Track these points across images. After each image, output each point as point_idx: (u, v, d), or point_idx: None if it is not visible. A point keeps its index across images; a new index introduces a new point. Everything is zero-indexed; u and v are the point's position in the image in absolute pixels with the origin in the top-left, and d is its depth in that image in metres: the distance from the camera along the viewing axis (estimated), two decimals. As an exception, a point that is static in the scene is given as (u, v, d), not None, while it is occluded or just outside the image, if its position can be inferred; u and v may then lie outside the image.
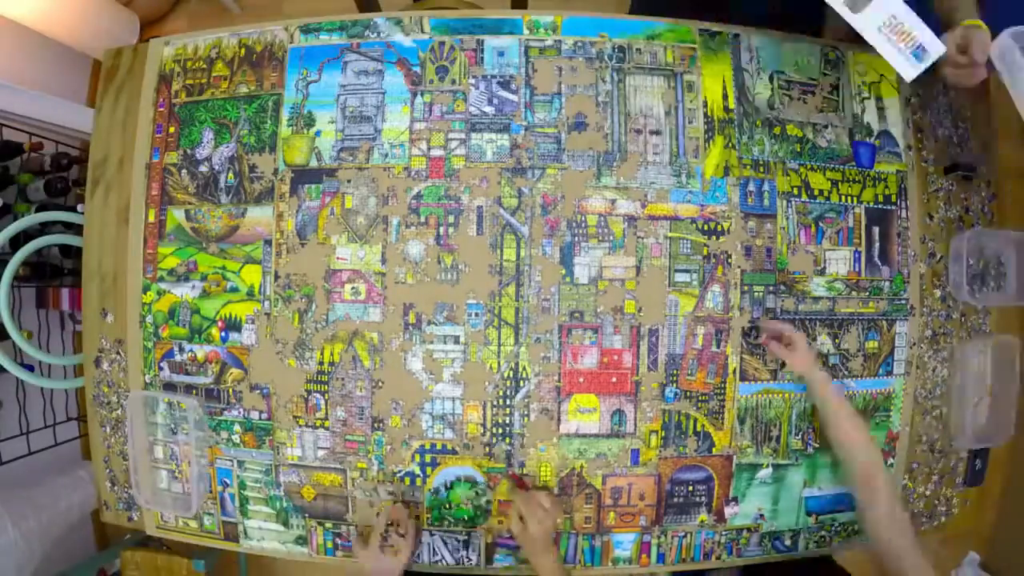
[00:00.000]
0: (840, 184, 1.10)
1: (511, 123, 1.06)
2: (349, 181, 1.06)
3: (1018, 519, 1.32)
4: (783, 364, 1.06)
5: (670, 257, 1.05)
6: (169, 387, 1.10)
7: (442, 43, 1.08)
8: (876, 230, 1.10)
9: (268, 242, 1.07)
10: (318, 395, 1.05)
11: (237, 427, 1.08)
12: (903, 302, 1.11)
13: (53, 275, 1.82)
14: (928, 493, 1.15)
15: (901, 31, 0.91)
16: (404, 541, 0.98)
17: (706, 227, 1.05)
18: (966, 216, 1.15)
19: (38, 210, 1.82)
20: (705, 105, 1.08)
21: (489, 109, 1.06)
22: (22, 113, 1.81)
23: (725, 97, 1.08)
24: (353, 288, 1.05)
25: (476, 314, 1.04)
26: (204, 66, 1.13)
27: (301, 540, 1.09)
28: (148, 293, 1.11)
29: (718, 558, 1.09)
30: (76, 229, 1.73)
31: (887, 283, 1.10)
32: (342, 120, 1.07)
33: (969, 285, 1.10)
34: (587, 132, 1.06)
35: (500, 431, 1.04)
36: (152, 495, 1.11)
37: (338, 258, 1.05)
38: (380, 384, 1.05)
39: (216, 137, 1.10)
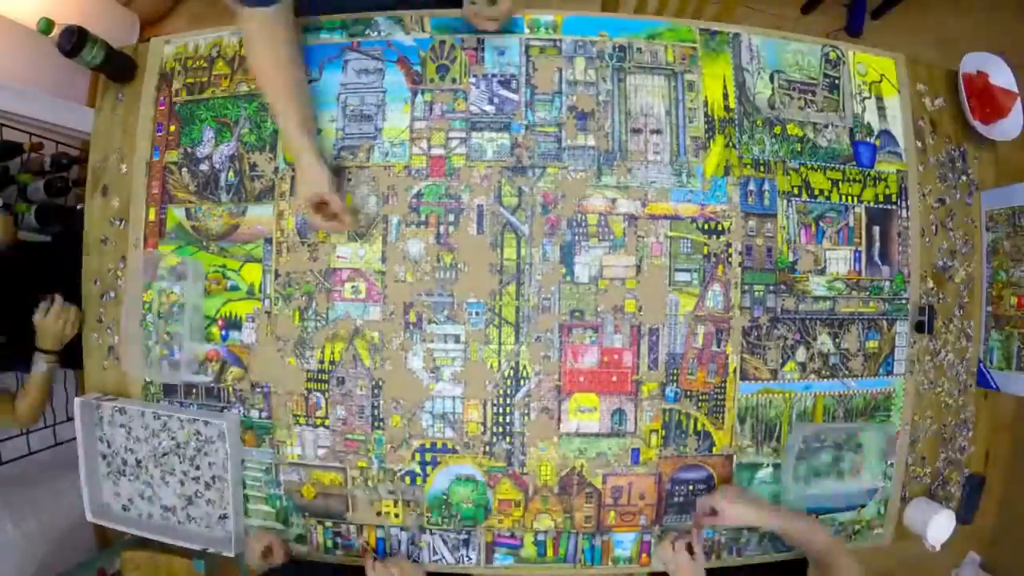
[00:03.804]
0: (840, 184, 1.10)
1: (511, 122, 1.06)
2: (350, 180, 1.06)
3: (1018, 519, 1.32)
4: (787, 361, 1.06)
5: (670, 256, 1.05)
6: (169, 386, 1.10)
7: (443, 42, 1.08)
8: (876, 230, 1.10)
9: (268, 240, 1.07)
10: (318, 394, 1.05)
11: (237, 426, 1.08)
12: (903, 302, 1.11)
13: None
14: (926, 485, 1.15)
15: None
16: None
17: (706, 226, 1.05)
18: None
19: (38, 210, 1.82)
20: (705, 104, 1.08)
21: (490, 108, 1.06)
22: (22, 113, 1.81)
23: (725, 96, 1.08)
24: (353, 287, 1.05)
25: (476, 313, 1.04)
26: (205, 65, 1.13)
27: (301, 539, 1.09)
28: (148, 292, 1.11)
29: (718, 558, 1.09)
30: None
31: (887, 283, 1.10)
32: (343, 119, 1.07)
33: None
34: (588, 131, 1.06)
35: (500, 430, 1.04)
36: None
37: (338, 257, 1.05)
38: (380, 383, 1.05)
39: (217, 135, 1.10)
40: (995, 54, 1.20)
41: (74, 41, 1.08)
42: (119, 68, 1.15)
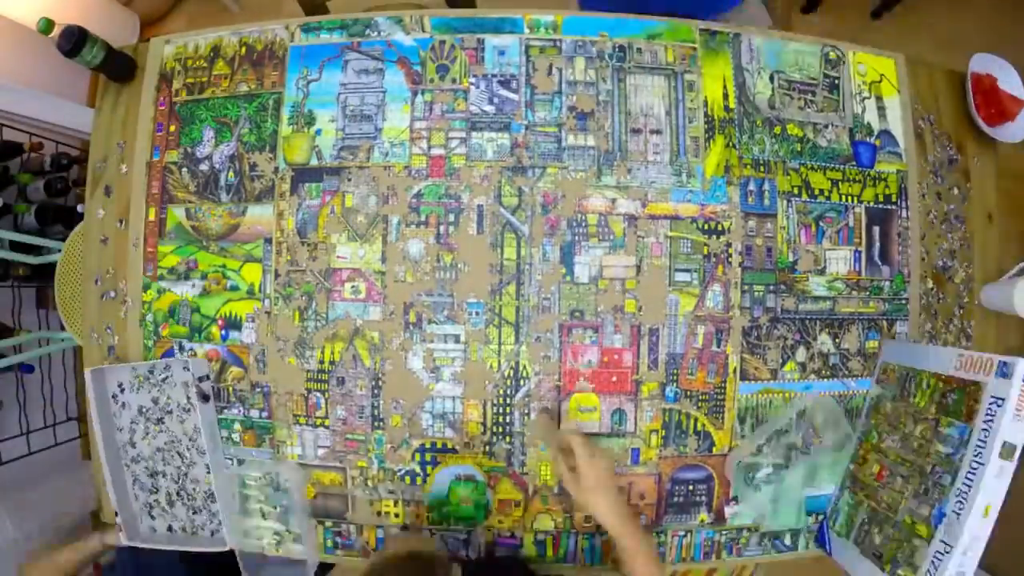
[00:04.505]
0: (840, 184, 1.10)
1: (511, 122, 1.06)
2: (349, 180, 1.06)
3: (1018, 519, 1.32)
4: (787, 361, 1.06)
5: (670, 256, 1.05)
6: (169, 386, 1.10)
7: (443, 42, 1.08)
8: (876, 230, 1.10)
9: (268, 240, 1.07)
10: (318, 394, 1.05)
11: (237, 425, 1.08)
12: (903, 302, 1.11)
13: (53, 275, 1.82)
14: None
15: None
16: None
17: (706, 226, 1.05)
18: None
19: (38, 210, 1.82)
20: (705, 104, 1.08)
21: (490, 108, 1.07)
22: (22, 113, 1.82)
23: (725, 96, 1.08)
24: (353, 287, 1.05)
25: (476, 313, 1.04)
26: (205, 64, 1.13)
27: (300, 539, 1.09)
28: (148, 292, 1.11)
29: (718, 557, 1.09)
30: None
31: (887, 283, 1.10)
32: (343, 119, 1.07)
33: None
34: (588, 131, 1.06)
35: (500, 430, 1.04)
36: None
37: (338, 257, 1.05)
38: (381, 383, 1.05)
39: (217, 135, 1.10)
40: (1000, 56, 1.20)
41: (74, 41, 1.08)
42: (119, 68, 1.15)
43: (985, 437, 0.80)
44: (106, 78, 1.17)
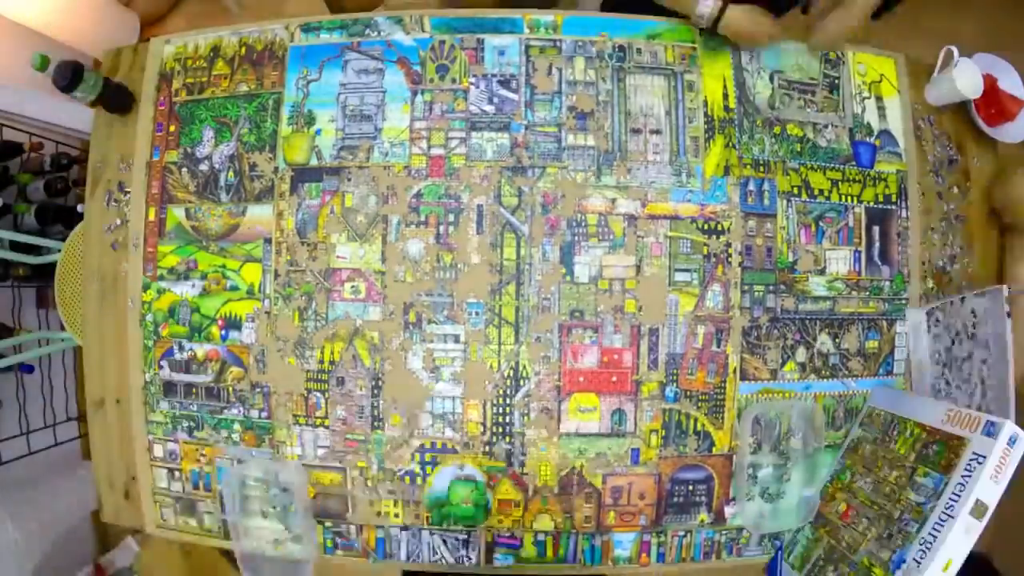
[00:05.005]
0: (840, 184, 1.10)
1: (511, 122, 1.06)
2: (349, 180, 1.06)
3: (1017, 520, 1.32)
4: (787, 361, 1.06)
5: (670, 256, 1.05)
6: (169, 386, 1.10)
7: (442, 42, 1.08)
8: (876, 230, 1.10)
9: (268, 240, 1.07)
10: (318, 394, 1.05)
11: (237, 425, 1.08)
12: (903, 302, 1.11)
13: (53, 275, 1.81)
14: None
15: None
16: None
17: (706, 226, 1.05)
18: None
19: (38, 210, 1.82)
20: (705, 104, 1.08)
21: (489, 108, 1.07)
22: (22, 113, 1.82)
23: (725, 96, 1.08)
24: (353, 287, 1.05)
25: (476, 313, 1.04)
26: (205, 65, 1.13)
27: (300, 539, 1.09)
28: (148, 292, 1.11)
29: (718, 558, 1.09)
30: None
31: (887, 283, 1.10)
32: (342, 119, 1.08)
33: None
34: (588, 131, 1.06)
35: (500, 430, 1.04)
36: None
37: (338, 257, 1.05)
38: (380, 383, 1.05)
39: (216, 135, 1.10)
40: (1000, 56, 1.20)
41: (70, 76, 1.06)
42: (117, 100, 1.13)
43: (960, 491, 0.81)
44: (105, 111, 1.15)
